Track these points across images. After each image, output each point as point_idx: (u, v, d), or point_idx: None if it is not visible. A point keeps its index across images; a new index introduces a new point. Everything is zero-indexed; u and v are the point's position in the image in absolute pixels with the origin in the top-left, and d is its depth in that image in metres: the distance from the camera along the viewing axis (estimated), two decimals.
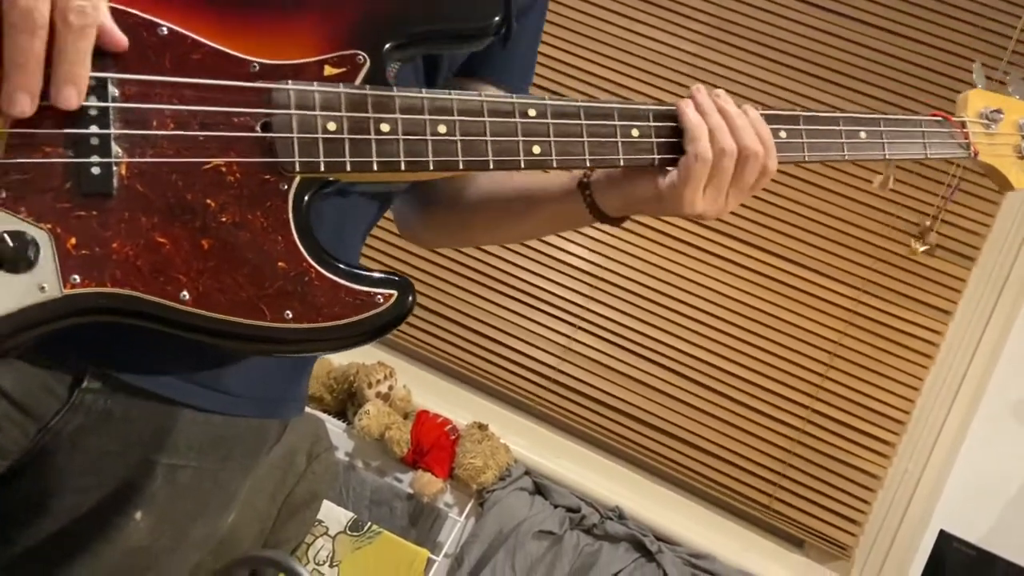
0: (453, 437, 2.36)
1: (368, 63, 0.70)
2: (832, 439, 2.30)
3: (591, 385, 2.42)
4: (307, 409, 2.34)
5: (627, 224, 0.91)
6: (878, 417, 2.29)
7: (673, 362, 2.39)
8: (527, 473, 2.36)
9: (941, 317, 2.31)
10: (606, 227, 0.89)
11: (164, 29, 0.65)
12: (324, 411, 2.43)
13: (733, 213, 2.37)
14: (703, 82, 0.91)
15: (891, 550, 2.25)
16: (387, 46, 0.71)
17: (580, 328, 2.45)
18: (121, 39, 0.61)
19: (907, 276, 2.33)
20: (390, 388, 2.39)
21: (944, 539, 2.06)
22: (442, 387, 2.54)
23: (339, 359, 2.46)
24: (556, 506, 2.32)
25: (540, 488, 2.35)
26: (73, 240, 0.61)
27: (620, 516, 2.31)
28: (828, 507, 2.28)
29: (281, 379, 0.85)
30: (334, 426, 2.39)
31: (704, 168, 0.79)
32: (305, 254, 0.67)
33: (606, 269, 2.46)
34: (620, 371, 2.42)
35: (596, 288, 2.46)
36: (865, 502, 2.27)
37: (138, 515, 0.77)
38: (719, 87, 0.85)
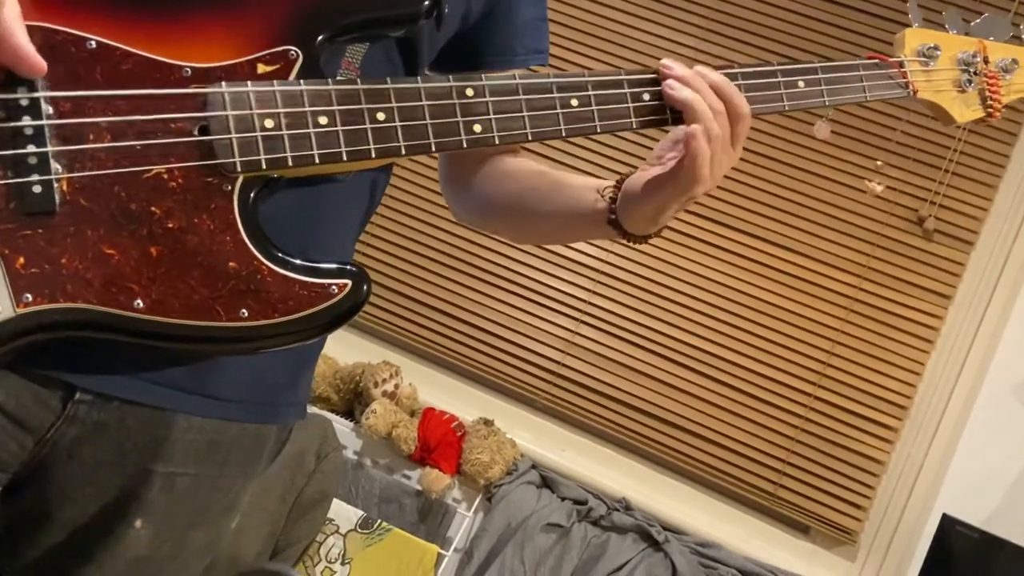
0: (460, 433, 2.38)
1: (301, 58, 0.70)
2: (835, 426, 2.31)
3: (595, 378, 2.44)
4: (315, 409, 2.38)
5: None
6: (880, 403, 2.30)
7: (676, 353, 2.41)
8: (534, 467, 2.38)
9: (941, 302, 2.31)
10: None
11: (92, 43, 0.65)
12: (331, 411, 2.45)
13: (733, 204, 2.40)
14: None
15: (896, 534, 2.26)
16: (319, 38, 0.71)
17: (583, 322, 2.47)
18: (38, 63, 0.61)
19: (906, 262, 2.33)
20: (396, 386, 2.41)
21: (947, 522, 2.07)
22: (448, 384, 2.57)
23: (345, 359, 2.49)
24: (563, 499, 2.34)
25: (547, 481, 2.37)
26: (21, 259, 0.61)
27: (627, 507, 2.32)
28: (833, 493, 2.29)
29: (273, 384, 0.85)
30: (341, 425, 2.42)
31: (709, 143, 0.79)
32: (255, 252, 0.68)
33: (607, 263, 2.48)
34: (623, 363, 2.43)
35: (598, 282, 2.48)
36: (869, 487, 2.28)
37: (138, 524, 0.77)
38: None
